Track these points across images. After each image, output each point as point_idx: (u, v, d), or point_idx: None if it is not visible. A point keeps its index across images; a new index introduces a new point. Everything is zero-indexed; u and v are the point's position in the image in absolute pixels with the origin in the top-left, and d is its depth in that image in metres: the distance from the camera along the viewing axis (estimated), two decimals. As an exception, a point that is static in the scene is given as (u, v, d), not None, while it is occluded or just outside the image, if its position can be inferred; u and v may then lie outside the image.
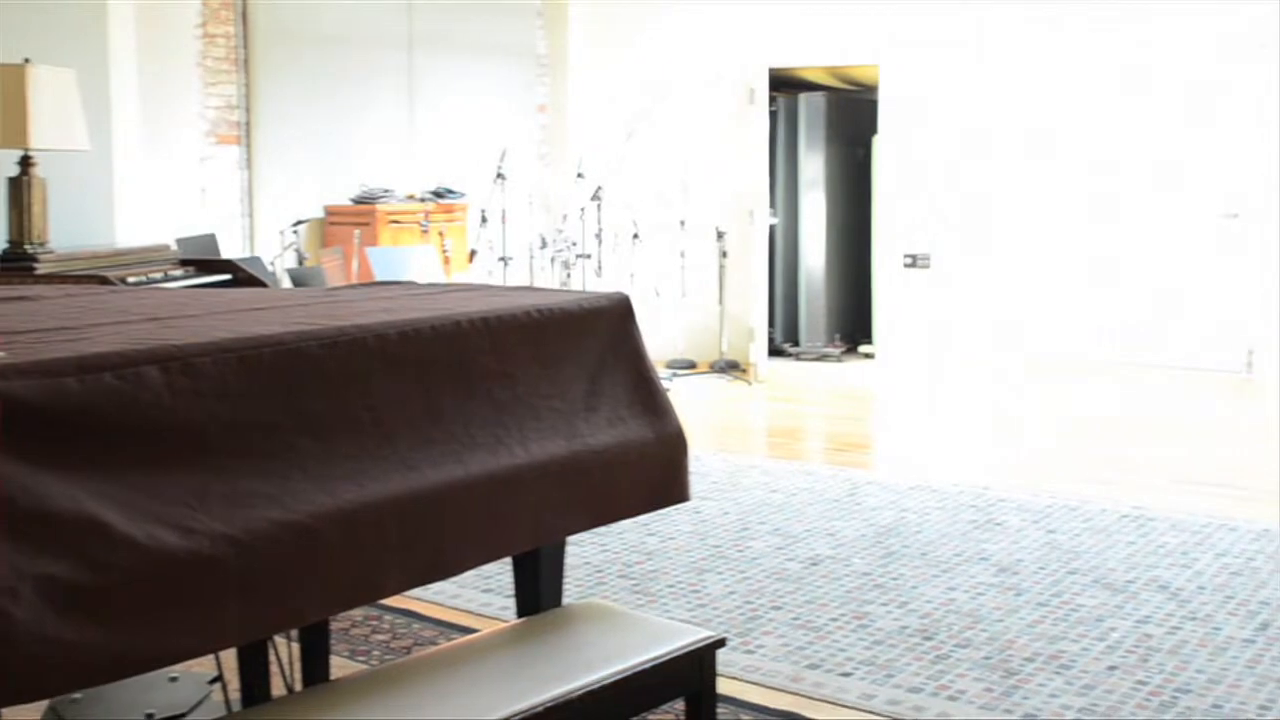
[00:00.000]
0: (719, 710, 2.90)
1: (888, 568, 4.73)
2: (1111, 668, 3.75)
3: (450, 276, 8.39)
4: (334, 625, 3.91)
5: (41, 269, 5.16)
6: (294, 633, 3.07)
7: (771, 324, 9.99)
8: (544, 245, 9.20)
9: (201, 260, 5.97)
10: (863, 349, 10.21)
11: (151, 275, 5.38)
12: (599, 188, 9.33)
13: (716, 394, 8.75)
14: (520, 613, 2.91)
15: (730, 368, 9.45)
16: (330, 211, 8.71)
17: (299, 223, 7.94)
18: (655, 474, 2.73)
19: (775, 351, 10.03)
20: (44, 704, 3.22)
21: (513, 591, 2.98)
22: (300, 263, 7.72)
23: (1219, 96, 8.66)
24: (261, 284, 5.48)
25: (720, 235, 9.56)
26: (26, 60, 5.30)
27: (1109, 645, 3.93)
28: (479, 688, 2.38)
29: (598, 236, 9.34)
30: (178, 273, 5.60)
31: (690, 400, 8.41)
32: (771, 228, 10.04)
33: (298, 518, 2.04)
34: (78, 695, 3.23)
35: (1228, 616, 4.18)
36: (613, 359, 2.72)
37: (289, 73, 8.44)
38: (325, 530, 2.07)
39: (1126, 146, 8.98)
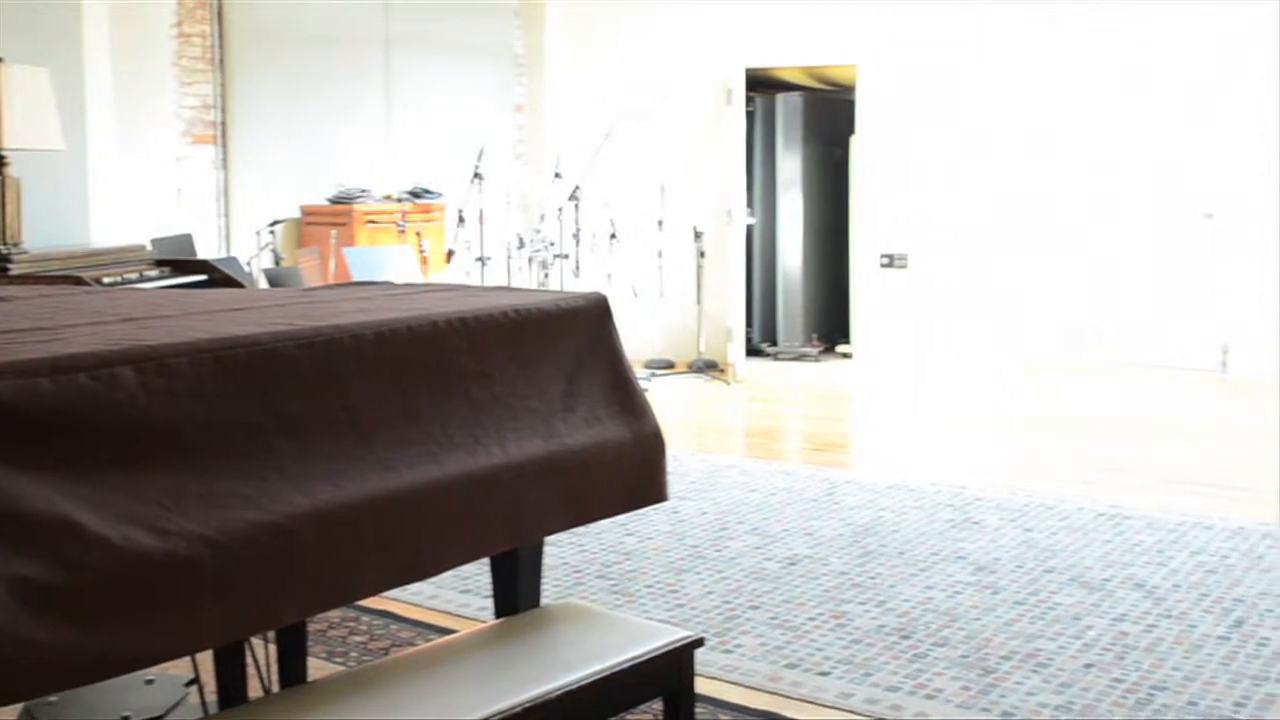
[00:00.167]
0: (697, 710, 2.91)
1: (865, 567, 4.74)
2: (1088, 666, 3.77)
3: (427, 277, 8.37)
4: (311, 626, 3.90)
5: (15, 269, 5.13)
6: (271, 634, 3.06)
7: (749, 324, 10.00)
8: (521, 245, 9.19)
9: (177, 261, 5.94)
10: (840, 349, 10.23)
11: (127, 276, 5.35)
12: (577, 188, 9.32)
13: (695, 394, 8.76)
14: (498, 613, 2.91)
15: (708, 368, 9.46)
16: (307, 212, 8.68)
17: (275, 223, 7.92)
18: (633, 474, 2.73)
19: (753, 351, 10.04)
20: (19, 707, 3.20)
21: (491, 592, 2.97)
22: (277, 263, 7.70)
23: (1196, 98, 8.71)
24: (238, 284, 5.46)
25: (698, 235, 9.56)
26: (0, 59, 5.27)
27: (1085, 643, 3.95)
28: (457, 688, 2.38)
29: (575, 236, 9.34)
30: (153, 273, 5.57)
31: (668, 400, 8.41)
32: (749, 228, 10.05)
33: (274, 518, 2.03)
34: (53, 698, 3.21)
35: (1203, 614, 4.20)
36: (590, 359, 2.72)
37: (265, 72, 8.41)
38: (302, 531, 2.06)
39: (1105, 146, 9.02)
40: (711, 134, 9.73)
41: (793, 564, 4.79)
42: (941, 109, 9.33)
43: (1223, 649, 3.89)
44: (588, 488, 2.63)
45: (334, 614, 4.20)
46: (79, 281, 4.80)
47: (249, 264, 7.41)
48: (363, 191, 8.84)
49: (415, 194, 9.17)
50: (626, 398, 2.74)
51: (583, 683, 2.43)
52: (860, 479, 6.15)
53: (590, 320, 2.74)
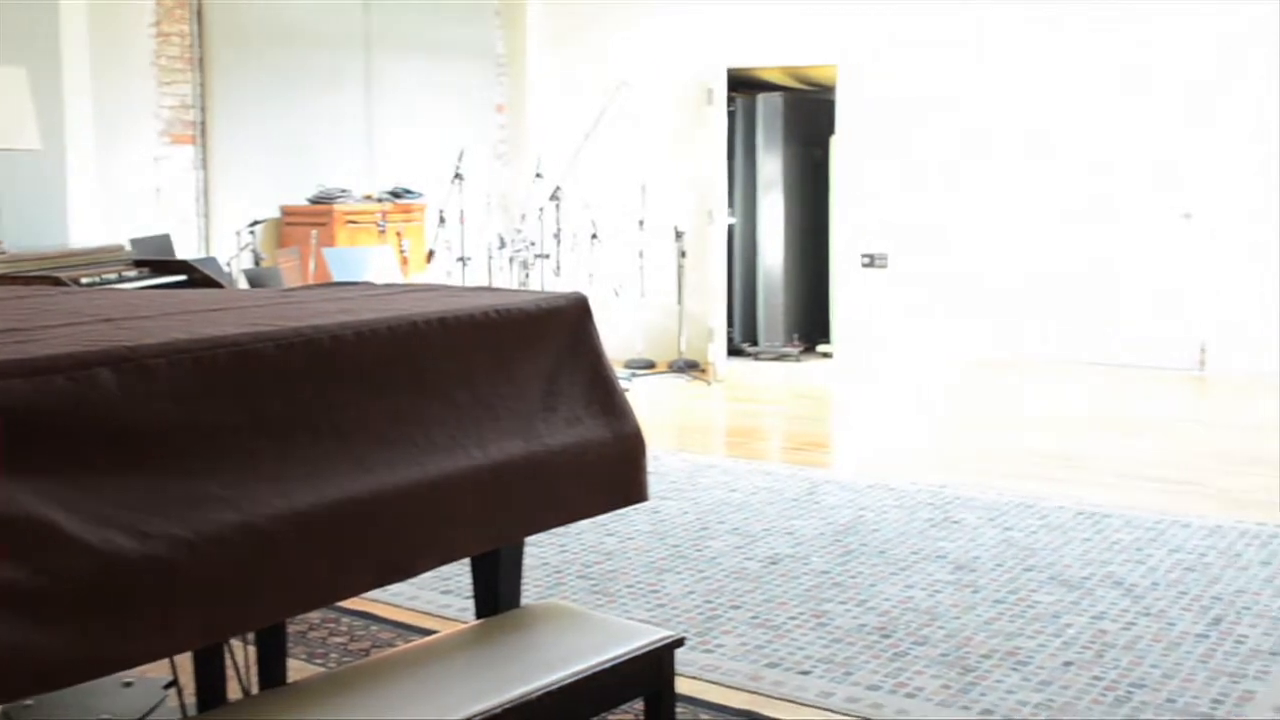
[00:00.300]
0: (678, 709, 2.91)
1: (846, 566, 4.75)
2: (1067, 664, 3.78)
3: (408, 277, 8.36)
4: (291, 628, 3.88)
5: (-8, 270, 5.10)
6: (250, 636, 3.05)
7: (730, 324, 10.01)
8: (502, 245, 9.19)
9: (156, 261, 5.91)
10: (821, 348, 10.25)
11: (105, 276, 5.32)
12: (557, 188, 9.32)
13: (675, 394, 8.76)
14: (479, 614, 2.91)
15: (689, 367, 9.47)
16: (287, 212, 8.65)
17: (255, 223, 7.89)
18: (613, 474, 2.73)
19: (734, 351, 10.05)
20: (-4, 710, 3.19)
21: (471, 593, 2.97)
22: (257, 263, 7.68)
23: (1170, 98, 8.75)
24: (217, 285, 5.44)
25: (679, 235, 9.57)
26: (-23, 59, 5.24)
27: (1065, 641, 3.96)
28: (438, 689, 2.37)
29: (556, 236, 9.33)
30: (132, 274, 5.54)
31: (649, 400, 8.41)
32: (730, 228, 10.06)
33: (253, 520, 2.02)
34: (30, 701, 3.20)
35: (1181, 612, 4.22)
36: (571, 359, 2.72)
37: (245, 72, 8.38)
38: (282, 532, 2.06)
39: (1084, 147, 9.06)
40: (692, 134, 9.74)
41: (773, 563, 4.80)
42: (922, 109, 9.35)
43: (1201, 646, 3.91)
44: (568, 488, 2.63)
45: (314, 615, 4.19)
46: (57, 282, 4.78)
47: (228, 264, 7.38)
48: (343, 191, 8.81)
49: (396, 194, 9.15)
50: (607, 398, 2.74)
51: (564, 683, 2.43)
52: (841, 478, 6.17)
53: (571, 320, 2.74)
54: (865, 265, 9.63)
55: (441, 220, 8.76)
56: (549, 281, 9.24)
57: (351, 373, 2.28)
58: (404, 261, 8.50)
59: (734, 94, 10.09)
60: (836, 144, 9.78)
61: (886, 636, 4.03)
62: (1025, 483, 5.99)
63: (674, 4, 9.91)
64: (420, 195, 9.27)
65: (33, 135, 5.52)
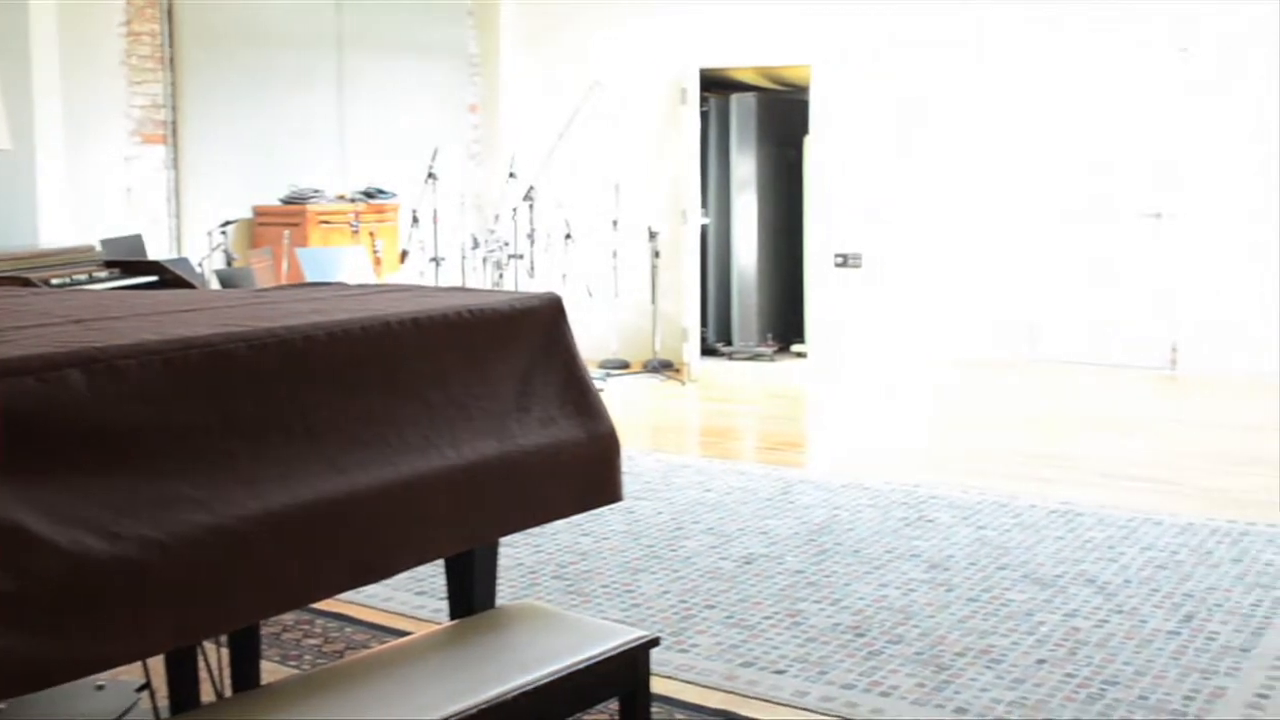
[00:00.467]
0: (653, 709, 2.91)
1: (820, 565, 4.76)
2: (1040, 661, 3.80)
3: (381, 277, 8.34)
4: (265, 630, 3.87)
5: (-39, 271, 5.05)
6: (223, 638, 3.03)
7: (704, 324, 10.02)
8: (476, 246, 9.17)
9: (127, 262, 5.87)
10: (795, 348, 10.26)
11: (75, 277, 5.28)
12: (531, 188, 9.31)
13: (650, 394, 8.77)
14: (453, 615, 2.90)
15: (663, 367, 9.47)
16: (259, 212, 8.62)
17: (227, 223, 7.85)
18: (588, 474, 2.73)
19: (708, 351, 10.06)
20: (-34, 714, 3.16)
21: (446, 593, 2.96)
22: (229, 264, 7.64)
23: (1143, 98, 8.80)
24: (189, 286, 5.41)
25: (653, 235, 9.57)
26: (-55, 58, 5.20)
27: (1038, 639, 3.98)
28: (413, 690, 2.37)
29: (530, 237, 9.32)
30: (103, 274, 5.50)
31: (624, 400, 8.41)
32: (704, 228, 10.07)
33: (226, 521, 2.01)
34: (1, 705, 3.17)
35: (1153, 609, 4.24)
36: (544, 359, 2.71)
37: (216, 72, 8.34)
38: (255, 534, 2.05)
39: (1054, 147, 9.10)
40: (666, 134, 9.74)
41: (748, 563, 4.81)
42: (895, 110, 9.38)
43: (1173, 643, 3.93)
44: (542, 488, 2.63)
45: (288, 617, 4.17)
46: (26, 283, 4.74)
47: (200, 265, 7.35)
48: (316, 192, 8.78)
49: (369, 194, 9.12)
50: (581, 398, 2.74)
51: (539, 683, 2.43)
52: (815, 478, 6.18)
53: (544, 321, 2.74)
54: (839, 265, 9.65)
55: (415, 220, 8.74)
56: (523, 282, 9.23)
57: (324, 373, 2.27)
58: (377, 262, 8.47)
59: (708, 94, 10.09)
60: (810, 144, 9.80)
61: (861, 635, 4.04)
62: (999, 482, 6.01)
63: (647, 4, 9.91)
64: (393, 195, 9.24)
65: (2, 135, 5.48)
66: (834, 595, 4.42)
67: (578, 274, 9.52)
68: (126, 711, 3.29)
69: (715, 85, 10.25)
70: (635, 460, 6.46)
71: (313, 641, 4.05)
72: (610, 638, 2.64)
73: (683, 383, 9.12)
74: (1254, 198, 8.53)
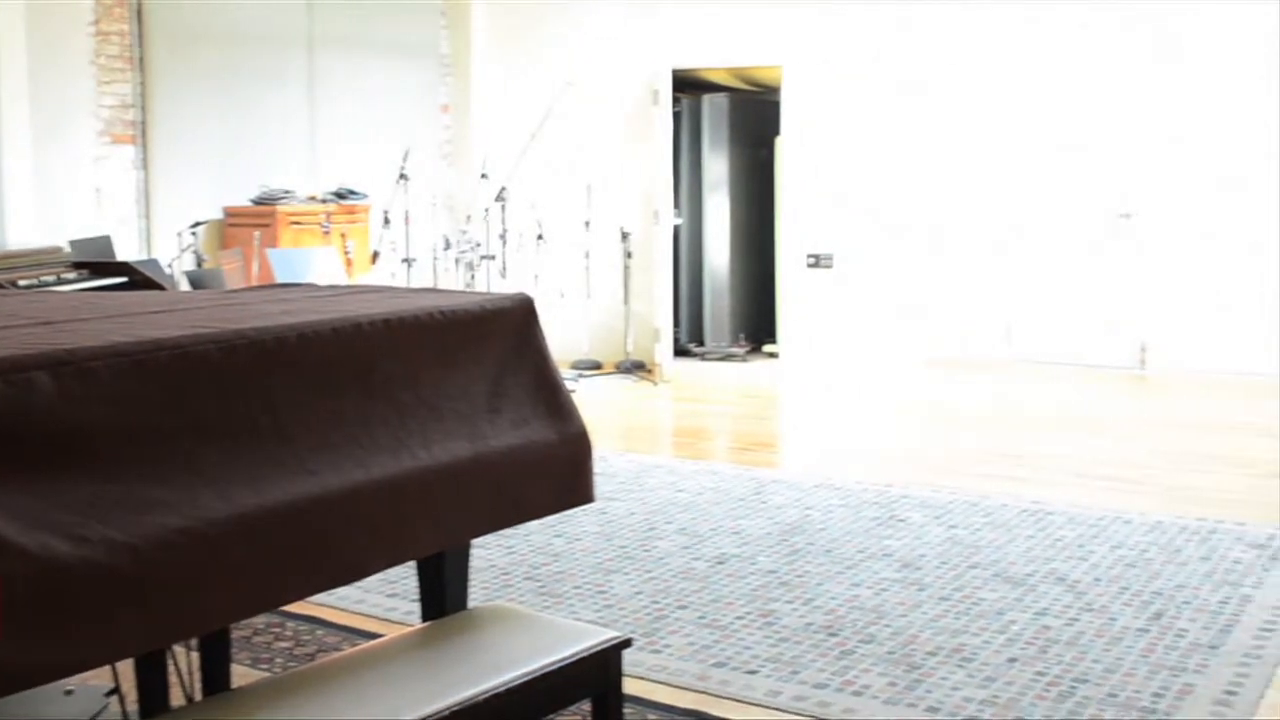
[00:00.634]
0: (625, 710, 2.91)
1: (793, 565, 4.77)
2: (1012, 660, 3.82)
3: (353, 278, 8.31)
4: (235, 633, 3.85)
5: (-73, 272, 5.01)
6: (193, 641, 3.02)
7: (677, 324, 10.03)
8: (448, 246, 9.15)
9: (96, 263, 5.82)
10: (767, 348, 10.29)
11: (43, 278, 5.24)
12: (503, 188, 9.30)
13: (622, 394, 8.77)
14: (425, 616, 2.89)
15: (636, 368, 9.47)
16: (229, 213, 8.58)
17: (197, 224, 7.82)
18: (559, 475, 2.73)
19: (680, 352, 10.07)
20: (-67, 720, 3.13)
21: (418, 595, 2.95)
22: (199, 265, 7.60)
23: (1113, 98, 8.86)
24: (159, 287, 5.37)
25: (625, 236, 9.57)
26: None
27: (1009, 638, 4.00)
28: (385, 693, 2.36)
29: (502, 237, 9.31)
30: (71, 275, 5.46)
31: (596, 401, 8.41)
32: (676, 228, 10.07)
33: (196, 524, 2.00)
34: (-31, 709, 3.14)
35: (1123, 607, 4.27)
36: (516, 360, 2.71)
37: (186, 71, 8.30)
38: (225, 537, 2.04)
39: (1025, 147, 9.15)
40: (638, 135, 9.74)
41: (720, 563, 4.81)
42: (866, 110, 9.41)
43: (1142, 641, 3.96)
44: (514, 489, 2.63)
45: (259, 619, 4.15)
46: (-6, 284, 4.70)
47: (170, 266, 7.30)
48: (286, 192, 8.75)
49: (340, 195, 9.09)
50: (552, 399, 2.73)
51: (511, 685, 2.42)
52: (787, 478, 6.19)
53: (516, 321, 2.73)
54: (810, 266, 9.67)
55: (386, 221, 8.71)
56: (495, 283, 9.21)
57: (295, 374, 2.26)
58: (348, 263, 8.45)
59: (680, 95, 10.10)
60: (782, 145, 9.82)
61: (833, 635, 4.05)
62: (970, 481, 6.04)
63: (619, 5, 9.91)
64: (365, 196, 9.21)
65: (-32, 135, 5.43)
66: (806, 595, 4.43)
67: (550, 275, 9.51)
68: (96, 716, 3.27)
69: (687, 86, 10.26)
70: (607, 461, 6.46)
71: (284, 644, 4.03)
72: (582, 639, 2.64)
73: (655, 383, 9.12)
74: (1223, 199, 8.60)
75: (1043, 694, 3.56)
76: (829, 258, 9.62)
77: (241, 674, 3.57)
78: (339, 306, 2.57)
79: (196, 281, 6.98)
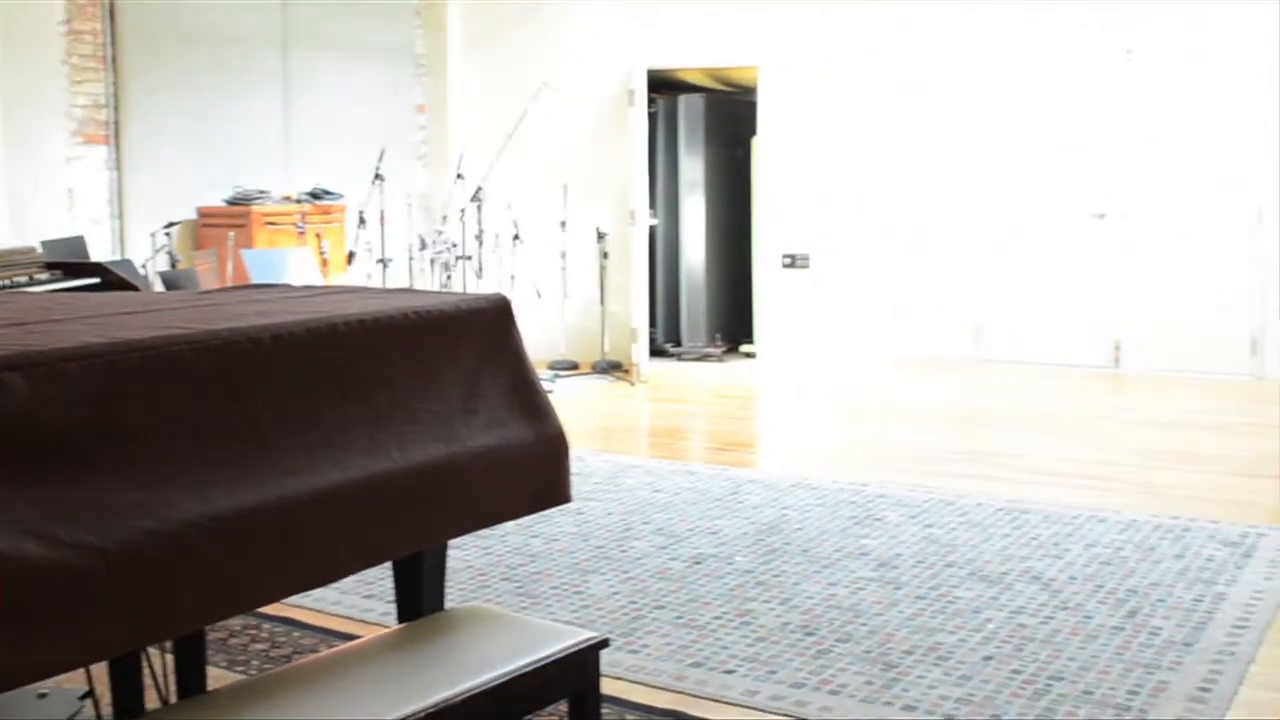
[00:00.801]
0: (603, 711, 2.91)
1: (770, 565, 4.78)
2: (988, 658, 3.83)
3: (328, 279, 8.28)
4: (211, 635, 3.83)
5: (-102, 274, 4.97)
6: (168, 644, 3.00)
7: (653, 324, 10.03)
8: (424, 247, 9.13)
9: (69, 263, 5.78)
10: (744, 348, 10.30)
11: (15, 279, 5.20)
12: (479, 189, 9.28)
13: (599, 394, 8.76)
14: (402, 618, 2.88)
15: (612, 368, 9.47)
16: (204, 213, 8.54)
17: (171, 225, 7.78)
18: (536, 476, 2.72)
19: (657, 352, 10.07)
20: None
21: (394, 597, 2.95)
22: (173, 266, 7.56)
23: (1088, 100, 8.90)
24: (133, 288, 5.34)
25: (601, 236, 9.57)
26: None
27: (985, 636, 4.01)
28: (361, 695, 2.35)
29: (478, 238, 9.30)
30: (43, 276, 5.42)
31: (573, 401, 8.40)
32: (652, 229, 10.08)
33: (171, 526, 1.99)
34: (-59, 714, 3.12)
35: (1098, 605, 4.29)
36: (492, 361, 2.71)
37: (159, 71, 8.25)
38: (200, 539, 2.03)
39: (1000, 148, 9.19)
40: (614, 135, 9.74)
41: (698, 563, 4.81)
42: (842, 111, 9.44)
43: (1117, 639, 3.98)
44: (491, 490, 2.62)
45: (234, 622, 4.13)
46: (-34, 285, 4.67)
47: (144, 267, 7.27)
48: (261, 193, 8.71)
49: (315, 195, 9.06)
50: (529, 399, 2.73)
51: (487, 686, 2.42)
52: (764, 477, 6.20)
53: (492, 322, 2.73)
54: (786, 266, 9.69)
55: (362, 221, 8.68)
56: (471, 283, 9.20)
57: (269, 376, 2.25)
58: (324, 263, 8.42)
59: (656, 95, 10.10)
60: (758, 145, 9.83)
61: (810, 634, 4.05)
62: (946, 480, 6.06)
63: (595, 5, 9.91)
64: (340, 196, 9.18)
65: (-61, 135, 5.39)
66: (783, 595, 4.44)
67: (526, 275, 9.50)
68: (70, 719, 3.25)
69: (663, 86, 10.26)
70: (584, 461, 6.45)
71: (260, 646, 4.01)
72: (559, 639, 2.64)
73: (632, 383, 9.12)
74: (1197, 199, 8.65)
75: (1018, 692, 3.58)
76: (805, 258, 9.64)
77: (217, 676, 3.55)
78: (314, 307, 2.56)
79: (171, 282, 6.94)
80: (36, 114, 7.49)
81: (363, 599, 4.45)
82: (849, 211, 9.48)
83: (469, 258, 9.24)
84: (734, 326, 10.48)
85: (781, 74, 9.50)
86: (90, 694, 3.21)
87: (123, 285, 5.42)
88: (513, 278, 9.40)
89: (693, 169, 10.35)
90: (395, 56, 10.11)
